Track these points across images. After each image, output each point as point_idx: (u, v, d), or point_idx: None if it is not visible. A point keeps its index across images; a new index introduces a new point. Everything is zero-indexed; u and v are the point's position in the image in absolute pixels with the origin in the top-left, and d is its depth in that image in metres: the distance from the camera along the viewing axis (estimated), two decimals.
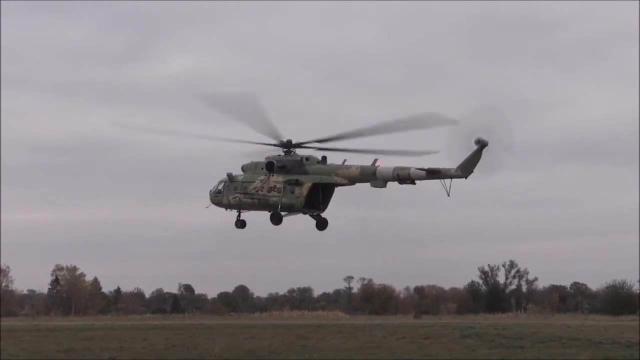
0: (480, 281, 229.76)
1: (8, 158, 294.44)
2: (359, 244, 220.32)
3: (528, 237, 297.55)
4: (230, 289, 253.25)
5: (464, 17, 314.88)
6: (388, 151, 42.14)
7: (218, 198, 46.16)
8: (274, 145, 44.47)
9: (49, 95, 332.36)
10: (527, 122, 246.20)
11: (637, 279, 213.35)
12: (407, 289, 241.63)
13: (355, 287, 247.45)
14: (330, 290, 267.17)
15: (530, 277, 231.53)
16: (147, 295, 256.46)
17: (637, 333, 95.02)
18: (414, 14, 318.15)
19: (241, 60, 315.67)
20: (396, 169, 41.74)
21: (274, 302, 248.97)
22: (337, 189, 44.37)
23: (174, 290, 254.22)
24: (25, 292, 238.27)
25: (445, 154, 40.25)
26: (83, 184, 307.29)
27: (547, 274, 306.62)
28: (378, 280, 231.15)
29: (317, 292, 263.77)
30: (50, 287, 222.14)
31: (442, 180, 40.59)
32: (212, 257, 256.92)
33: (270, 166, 44.63)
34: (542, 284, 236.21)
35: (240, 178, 45.70)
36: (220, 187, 46.16)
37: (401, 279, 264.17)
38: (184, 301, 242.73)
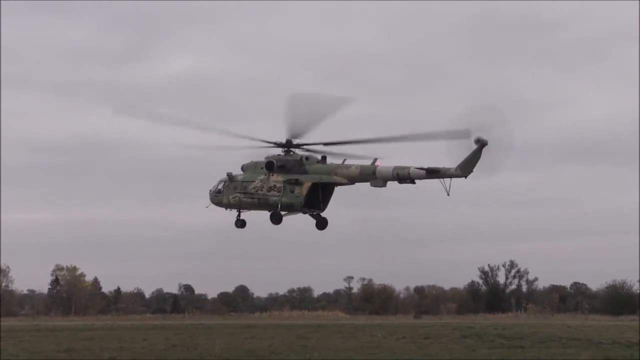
0: (480, 281, 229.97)
1: (8, 158, 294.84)
2: (359, 244, 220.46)
3: (528, 237, 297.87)
4: (230, 289, 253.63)
5: (464, 17, 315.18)
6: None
7: (218, 198, 46.18)
8: (274, 144, 44.49)
9: (49, 95, 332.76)
10: (527, 122, 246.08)
11: (637, 279, 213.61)
12: (407, 289, 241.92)
13: (355, 287, 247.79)
14: (330, 290, 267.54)
15: (530, 277, 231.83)
16: (147, 295, 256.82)
17: (637, 333, 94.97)
18: (414, 14, 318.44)
19: (241, 60, 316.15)
20: (396, 168, 41.76)
21: (274, 302, 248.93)
22: (337, 189, 44.40)
23: (174, 290, 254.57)
24: (25, 292, 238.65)
25: (445, 154, 40.34)
26: (83, 184, 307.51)
27: (547, 274, 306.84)
28: (378, 280, 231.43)
29: (317, 292, 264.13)
30: (50, 287, 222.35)
31: (441, 179, 40.63)
32: (212, 257, 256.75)
33: (270, 166, 44.64)
34: (542, 284, 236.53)
35: (240, 178, 45.72)
36: (220, 186, 46.19)
37: (401, 279, 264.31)
38: (184, 301, 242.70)
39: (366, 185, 42.98)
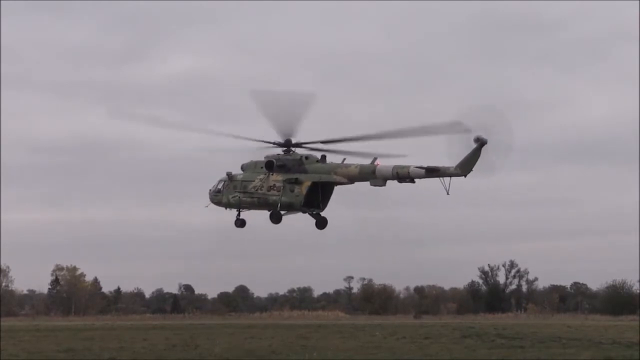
0: (480, 281, 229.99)
1: (8, 158, 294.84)
2: (359, 244, 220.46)
3: (528, 237, 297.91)
4: (230, 289, 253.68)
5: (464, 17, 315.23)
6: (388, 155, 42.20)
7: (218, 197, 46.18)
8: (274, 144, 44.49)
9: (49, 95, 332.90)
10: (527, 122, 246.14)
11: (637, 279, 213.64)
12: (407, 289, 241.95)
13: (355, 287, 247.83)
14: (330, 290, 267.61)
15: (530, 277, 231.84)
16: (147, 295, 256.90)
17: (637, 333, 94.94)
18: (414, 14, 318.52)
19: (241, 60, 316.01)
20: (395, 167, 41.76)
21: (274, 302, 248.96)
22: (337, 189, 44.40)
23: (174, 290, 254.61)
24: (25, 292, 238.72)
25: (445, 153, 40.32)
26: (83, 184, 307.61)
27: (547, 274, 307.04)
28: (378, 280, 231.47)
29: (317, 292, 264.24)
30: (50, 287, 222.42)
31: (441, 178, 40.62)
32: (212, 257, 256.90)
33: (269, 165, 44.65)
34: (542, 284, 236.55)
35: (239, 177, 45.73)
36: (220, 186, 46.19)
37: (401, 279, 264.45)
38: (184, 301, 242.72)
39: (366, 184, 43.00)
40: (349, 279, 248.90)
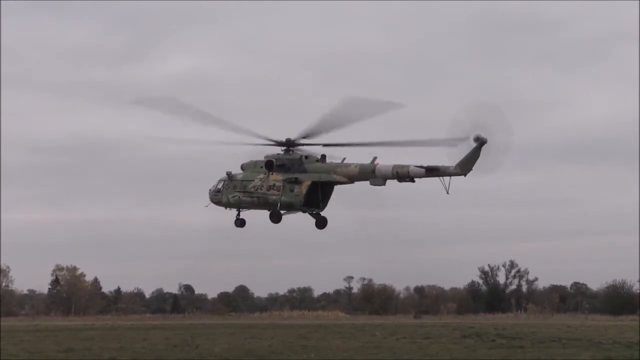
0: (481, 281, 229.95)
1: (8, 158, 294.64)
2: (359, 244, 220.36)
3: (528, 237, 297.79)
4: (230, 289, 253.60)
5: (464, 17, 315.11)
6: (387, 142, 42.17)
7: (217, 197, 46.17)
8: (274, 143, 44.49)
9: (49, 95, 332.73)
10: (527, 122, 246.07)
11: (637, 279, 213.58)
12: (407, 289, 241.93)
13: (355, 287, 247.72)
14: (330, 290, 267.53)
15: (530, 277, 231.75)
16: (147, 295, 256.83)
17: (637, 333, 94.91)
18: (414, 14, 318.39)
19: (241, 60, 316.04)
20: (395, 166, 41.76)
21: (274, 302, 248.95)
22: (337, 189, 44.39)
23: (174, 290, 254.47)
24: (25, 292, 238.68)
25: (445, 152, 40.33)
26: (83, 184, 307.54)
27: (547, 274, 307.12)
28: (378, 280, 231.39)
29: (317, 292, 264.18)
30: (50, 287, 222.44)
31: (441, 177, 40.62)
32: (212, 257, 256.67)
33: (269, 165, 44.64)
34: (542, 284, 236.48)
35: (239, 177, 45.73)
36: (219, 186, 46.17)
37: (401, 279, 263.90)
38: (184, 301, 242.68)
39: (366, 184, 43.00)
40: (349, 279, 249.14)
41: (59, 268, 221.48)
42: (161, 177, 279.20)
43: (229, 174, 45.91)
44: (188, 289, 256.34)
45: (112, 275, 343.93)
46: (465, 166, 39.66)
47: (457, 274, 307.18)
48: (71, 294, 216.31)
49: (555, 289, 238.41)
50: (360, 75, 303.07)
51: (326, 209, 44.98)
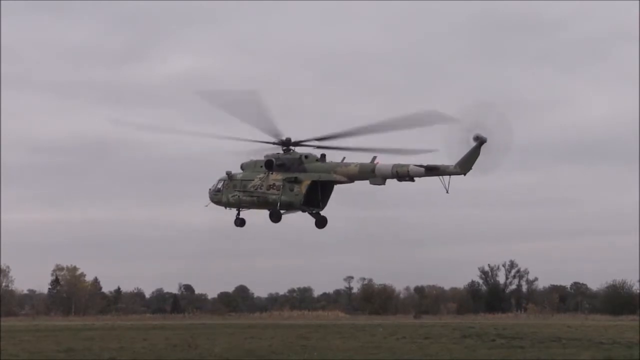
0: (481, 281, 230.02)
1: (8, 158, 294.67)
2: (359, 244, 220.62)
3: (528, 237, 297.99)
4: (230, 289, 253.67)
5: (464, 17, 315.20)
6: (387, 149, 42.15)
7: (217, 196, 46.16)
8: (273, 143, 44.50)
9: (49, 95, 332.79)
10: (527, 122, 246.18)
11: (637, 279, 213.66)
12: (407, 289, 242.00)
13: (355, 287, 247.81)
14: (330, 290, 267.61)
15: (530, 277, 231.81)
16: (147, 295, 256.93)
17: (637, 333, 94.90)
18: (414, 14, 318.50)
19: (241, 60, 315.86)
20: (395, 166, 41.75)
21: (274, 302, 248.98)
22: (338, 189, 44.38)
23: (174, 290, 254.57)
24: (25, 292, 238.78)
25: (444, 151, 40.29)
26: (83, 184, 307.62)
27: (547, 274, 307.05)
28: (378, 280, 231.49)
29: (317, 292, 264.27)
30: (50, 287, 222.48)
31: (440, 177, 40.61)
32: (212, 257, 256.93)
33: (269, 164, 44.63)
34: (542, 284, 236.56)
35: (239, 176, 45.73)
36: (219, 185, 46.17)
37: (401, 279, 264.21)
38: (184, 301, 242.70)
39: (366, 184, 42.98)
40: (349, 279, 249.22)
41: (59, 268, 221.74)
42: (161, 177, 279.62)
43: (228, 174, 45.90)
44: (188, 289, 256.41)
45: (112, 275, 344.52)
46: (465, 165, 39.66)
47: (457, 274, 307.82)
48: (71, 294, 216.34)
49: (555, 289, 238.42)
50: (360, 75, 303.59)
51: (326, 208, 45.00)
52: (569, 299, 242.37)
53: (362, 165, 42.86)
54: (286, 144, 44.55)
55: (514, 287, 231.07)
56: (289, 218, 45.24)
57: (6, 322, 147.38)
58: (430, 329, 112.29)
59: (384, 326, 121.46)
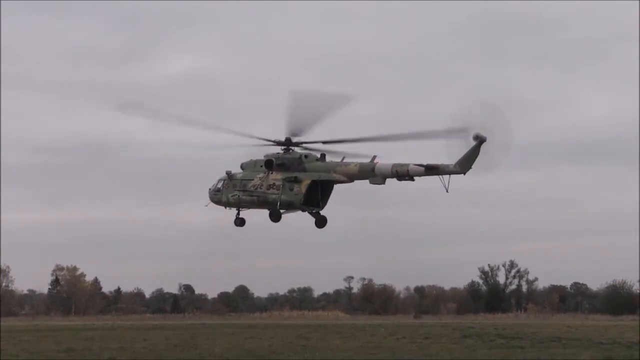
0: (481, 281, 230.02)
1: (8, 158, 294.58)
2: (359, 244, 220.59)
3: (528, 237, 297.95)
4: (230, 289, 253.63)
5: (464, 17, 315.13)
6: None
7: (217, 196, 46.16)
8: (273, 142, 44.49)
9: (49, 95, 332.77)
10: (527, 122, 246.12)
11: (637, 279, 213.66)
12: (407, 289, 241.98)
13: (355, 287, 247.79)
14: (330, 290, 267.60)
15: (530, 277, 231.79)
16: (147, 295, 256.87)
17: (637, 333, 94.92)
18: (414, 14, 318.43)
19: (241, 60, 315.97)
20: (395, 165, 41.76)
21: (274, 302, 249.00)
22: (338, 189, 44.37)
23: (174, 290, 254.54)
24: (25, 292, 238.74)
25: (444, 151, 40.32)
26: (83, 184, 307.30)
27: (547, 274, 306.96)
28: (378, 280, 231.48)
29: (317, 292, 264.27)
30: (50, 287, 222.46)
31: (440, 176, 40.61)
32: (212, 257, 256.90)
33: (269, 164, 44.64)
34: (542, 284, 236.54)
35: (239, 176, 45.73)
36: (219, 185, 46.17)
37: (401, 279, 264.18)
38: (184, 301, 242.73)
39: (366, 184, 42.99)
40: (349, 279, 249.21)
41: (59, 268, 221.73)
42: (161, 177, 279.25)
43: (228, 173, 45.90)
44: (188, 289, 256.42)
45: (112, 275, 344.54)
46: (464, 165, 39.66)
47: (457, 274, 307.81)
48: (71, 294, 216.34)
49: (555, 289, 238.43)
50: (360, 75, 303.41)
51: (326, 208, 45.01)
52: (569, 299, 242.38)
53: (361, 165, 42.86)
54: (286, 143, 44.55)
55: (514, 287, 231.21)
56: (288, 218, 45.28)
57: (6, 322, 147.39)
58: (430, 329, 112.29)
59: (383, 326, 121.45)
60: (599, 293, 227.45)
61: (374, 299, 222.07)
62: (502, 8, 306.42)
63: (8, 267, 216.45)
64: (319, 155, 44.42)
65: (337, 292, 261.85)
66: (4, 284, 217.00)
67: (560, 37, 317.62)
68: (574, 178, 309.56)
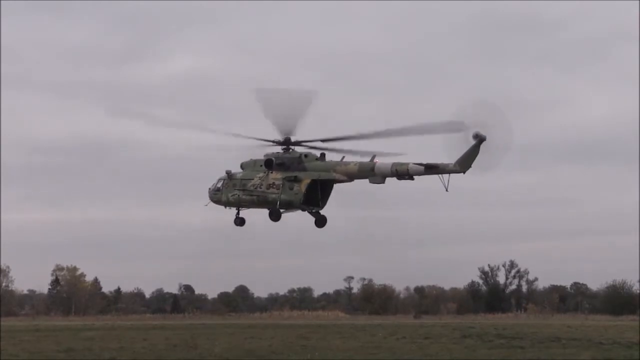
0: (481, 281, 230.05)
1: (8, 158, 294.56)
2: (359, 244, 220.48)
3: (528, 237, 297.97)
4: (230, 289, 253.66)
5: (464, 17, 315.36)
6: (388, 153, 42.20)
7: (217, 196, 46.12)
8: (273, 142, 44.47)
9: (49, 95, 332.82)
10: (527, 122, 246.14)
11: (637, 279, 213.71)
12: (407, 289, 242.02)
13: (355, 287, 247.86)
14: (330, 290, 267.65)
15: (530, 277, 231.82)
16: (147, 295, 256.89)
17: (637, 333, 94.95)
18: (414, 14, 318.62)
19: (241, 60, 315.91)
20: (394, 164, 41.73)
21: (274, 302, 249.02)
22: (338, 189, 44.34)
23: (174, 290, 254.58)
24: (25, 292, 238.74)
25: (444, 150, 40.28)
26: (83, 184, 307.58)
27: (547, 274, 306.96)
28: (378, 280, 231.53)
29: (317, 292, 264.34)
30: (50, 287, 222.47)
31: (440, 175, 40.58)
32: (212, 257, 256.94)
33: (269, 163, 44.61)
34: (542, 284, 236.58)
35: (239, 175, 45.70)
36: (219, 184, 46.14)
37: (401, 279, 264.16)
38: (184, 301, 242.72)
39: (365, 183, 42.96)
40: (349, 279, 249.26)
41: (59, 268, 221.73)
42: (161, 177, 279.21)
43: (228, 173, 45.87)
44: (188, 289, 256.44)
45: (112, 275, 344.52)
46: (464, 164, 39.63)
47: (457, 274, 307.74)
48: (71, 294, 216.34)
49: (555, 289, 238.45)
50: (360, 75, 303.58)
51: (326, 208, 44.98)
52: (569, 299, 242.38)
53: (361, 164, 42.84)
54: (286, 143, 44.53)
55: (514, 287, 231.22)
56: (288, 218, 45.24)
57: (6, 322, 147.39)
58: (430, 329, 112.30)
59: (383, 326, 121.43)
60: (599, 293, 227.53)
61: (374, 299, 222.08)
62: (502, 8, 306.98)
63: (8, 267, 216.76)
64: (318, 155, 44.41)
65: (337, 292, 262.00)
66: (4, 284, 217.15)
67: (560, 37, 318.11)
68: (574, 178, 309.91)
